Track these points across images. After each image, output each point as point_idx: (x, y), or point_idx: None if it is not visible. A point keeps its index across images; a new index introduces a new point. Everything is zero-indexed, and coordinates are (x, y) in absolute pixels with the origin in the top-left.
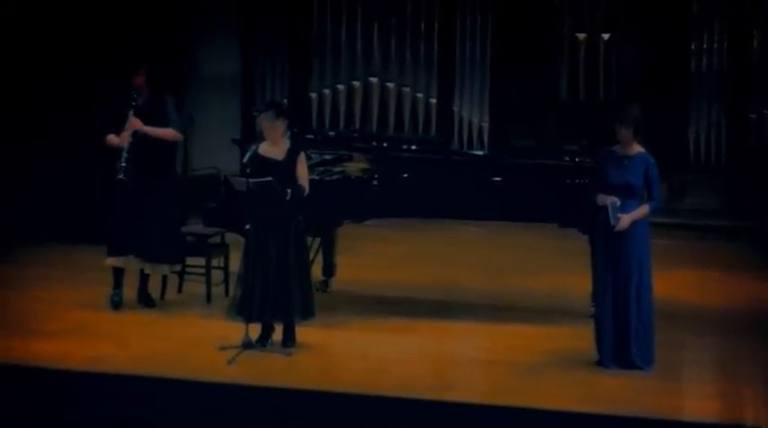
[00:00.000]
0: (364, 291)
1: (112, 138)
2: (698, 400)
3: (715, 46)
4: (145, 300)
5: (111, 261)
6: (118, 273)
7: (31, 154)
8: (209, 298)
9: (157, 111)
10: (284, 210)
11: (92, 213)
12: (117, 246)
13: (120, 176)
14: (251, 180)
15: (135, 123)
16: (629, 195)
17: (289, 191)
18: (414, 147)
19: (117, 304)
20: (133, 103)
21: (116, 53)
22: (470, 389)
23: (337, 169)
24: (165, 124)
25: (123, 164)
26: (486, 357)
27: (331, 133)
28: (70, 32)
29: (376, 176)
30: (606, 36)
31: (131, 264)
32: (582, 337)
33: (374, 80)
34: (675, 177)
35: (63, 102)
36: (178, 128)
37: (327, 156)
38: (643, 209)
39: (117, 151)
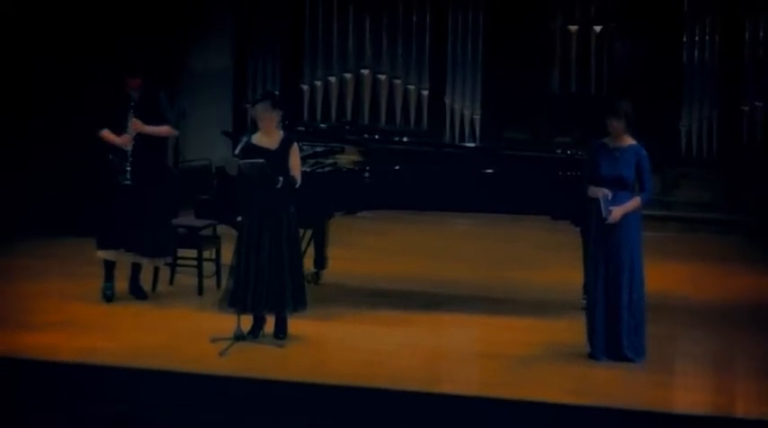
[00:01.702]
0: (356, 284)
1: (111, 136)
2: (689, 392)
3: (707, 38)
4: (136, 292)
5: (102, 254)
6: (109, 266)
7: (24, 146)
8: (200, 290)
9: (152, 107)
10: (277, 202)
11: (86, 206)
12: (108, 239)
13: (127, 181)
14: (243, 161)
15: (137, 125)
16: (620, 187)
17: (281, 178)
18: (405, 140)
19: (109, 297)
20: (132, 104)
21: (110, 49)
22: (463, 382)
23: (329, 161)
24: (159, 119)
25: (129, 168)
26: (478, 350)
27: (323, 125)
28: (63, 29)
29: (368, 168)
30: (598, 28)
31: (123, 258)
32: (574, 330)
33: (366, 72)
34: (668, 170)
35: (59, 96)
36: (173, 123)
37: (319, 149)
38: (635, 202)
39: (111, 146)
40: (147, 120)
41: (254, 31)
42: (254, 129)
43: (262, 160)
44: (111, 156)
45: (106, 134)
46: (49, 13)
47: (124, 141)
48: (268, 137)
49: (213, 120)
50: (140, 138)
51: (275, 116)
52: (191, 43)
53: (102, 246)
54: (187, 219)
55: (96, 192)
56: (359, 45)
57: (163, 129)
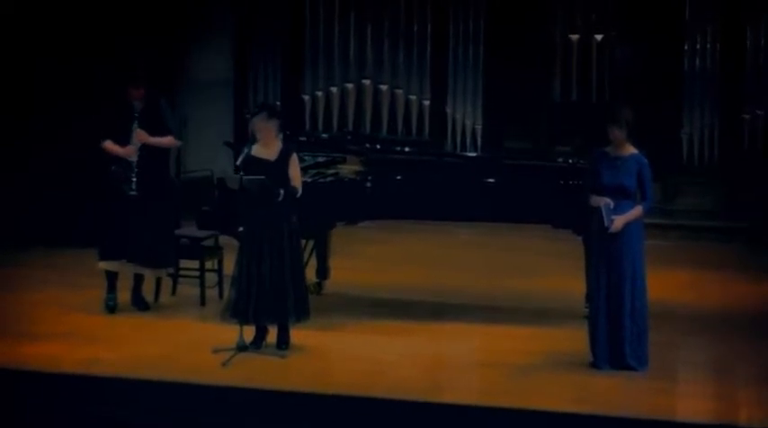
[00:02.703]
0: (358, 293)
1: (114, 148)
2: (692, 400)
3: (708, 47)
4: (139, 303)
5: (105, 265)
6: (111, 277)
7: (24, 148)
8: (203, 300)
9: (155, 117)
10: (278, 212)
11: (86, 217)
12: (111, 250)
13: (133, 192)
14: (244, 177)
15: (142, 136)
16: (622, 196)
17: (281, 191)
18: (407, 149)
19: (112, 308)
20: (136, 115)
21: (110, 49)
22: (465, 391)
23: (331, 171)
24: (162, 129)
25: (134, 179)
26: (480, 359)
27: (324, 135)
28: (63, 29)
29: (369, 178)
30: (599, 37)
31: (125, 268)
32: (576, 338)
33: (367, 82)
34: (669, 178)
35: (60, 105)
36: (176, 132)
37: (321, 159)
38: (637, 211)
39: (113, 157)
40: (151, 131)
41: (255, 39)
42: (255, 139)
43: (262, 177)
44: (113, 167)
45: (109, 145)
46: (49, 13)
47: (128, 152)
48: (267, 148)
49: (214, 130)
50: (144, 149)
51: (272, 126)
52: (191, 52)
53: (104, 257)
54: (189, 230)
55: (98, 204)
56: (360, 55)
57: (166, 140)
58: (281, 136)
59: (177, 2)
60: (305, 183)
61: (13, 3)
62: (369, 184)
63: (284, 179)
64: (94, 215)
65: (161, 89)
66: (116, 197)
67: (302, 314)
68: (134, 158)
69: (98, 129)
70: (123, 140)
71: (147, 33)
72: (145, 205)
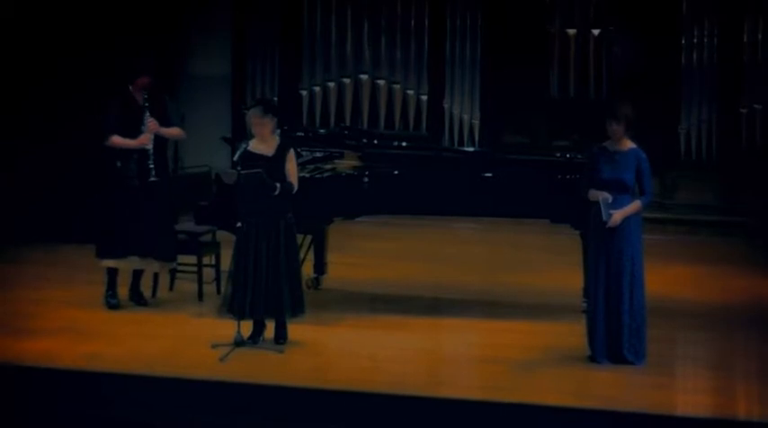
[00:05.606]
0: (356, 289)
1: (125, 140)
2: (691, 395)
3: (705, 41)
4: (137, 299)
5: (110, 262)
6: (113, 275)
7: (25, 153)
8: (200, 296)
9: (160, 108)
10: (274, 208)
11: (83, 213)
12: (116, 248)
13: (153, 178)
14: (241, 171)
15: (153, 125)
16: (621, 191)
17: (278, 185)
18: (404, 144)
19: (115, 306)
20: (146, 105)
21: (109, 49)
22: (463, 386)
23: (328, 166)
24: (167, 121)
25: (152, 166)
26: (478, 353)
27: (322, 130)
28: (62, 29)
29: (367, 173)
30: (596, 32)
31: (131, 264)
32: (574, 333)
33: (365, 77)
34: (667, 173)
35: (58, 102)
36: (180, 126)
37: (318, 154)
38: (635, 205)
39: (119, 152)
40: (159, 122)
41: (253, 35)
42: (253, 135)
43: (258, 170)
44: (118, 164)
45: (119, 140)
46: (49, 12)
47: (144, 141)
48: (264, 143)
49: (212, 126)
50: (155, 139)
51: (268, 122)
52: (189, 47)
53: (108, 255)
54: (187, 225)
55: (98, 201)
56: (357, 50)
57: (174, 131)
58: (278, 131)
59: (176, 1)
60: (303, 179)
61: (13, 3)
62: (366, 180)
63: (281, 174)
64: (94, 212)
65: (162, 85)
66: (120, 194)
67: (298, 309)
68: (150, 146)
69: (102, 125)
70: (130, 135)
71: (147, 32)
72: (153, 197)
